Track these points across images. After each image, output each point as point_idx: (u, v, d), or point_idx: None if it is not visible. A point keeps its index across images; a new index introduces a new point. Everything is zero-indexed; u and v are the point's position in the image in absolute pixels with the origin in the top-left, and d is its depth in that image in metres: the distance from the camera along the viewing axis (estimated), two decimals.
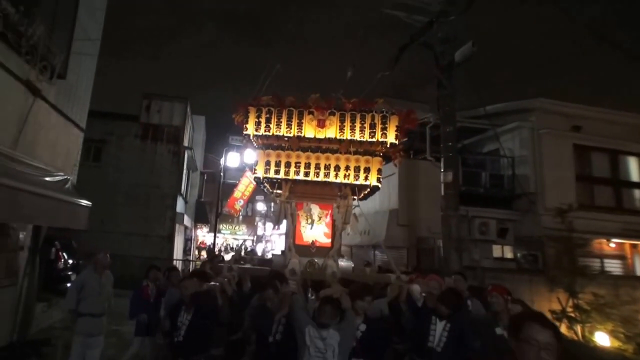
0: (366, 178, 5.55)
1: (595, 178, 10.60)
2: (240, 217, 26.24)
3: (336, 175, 5.50)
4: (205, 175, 21.49)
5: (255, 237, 25.62)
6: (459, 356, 3.30)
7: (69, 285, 8.96)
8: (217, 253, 14.39)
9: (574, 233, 9.61)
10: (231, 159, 16.35)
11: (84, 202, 5.14)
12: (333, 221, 5.83)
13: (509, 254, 10.76)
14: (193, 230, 20.71)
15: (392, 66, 8.82)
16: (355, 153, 5.57)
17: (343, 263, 5.65)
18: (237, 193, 17.95)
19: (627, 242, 10.44)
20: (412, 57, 9.30)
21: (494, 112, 11.10)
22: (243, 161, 16.40)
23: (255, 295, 4.03)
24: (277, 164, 5.47)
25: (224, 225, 25.90)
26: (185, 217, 16.77)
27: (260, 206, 26.85)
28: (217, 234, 17.86)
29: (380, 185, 5.66)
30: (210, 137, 24.40)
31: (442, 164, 8.06)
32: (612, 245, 10.60)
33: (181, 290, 3.34)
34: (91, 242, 10.85)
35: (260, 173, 5.50)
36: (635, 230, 10.05)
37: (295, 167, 5.48)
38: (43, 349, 4.79)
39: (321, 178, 5.48)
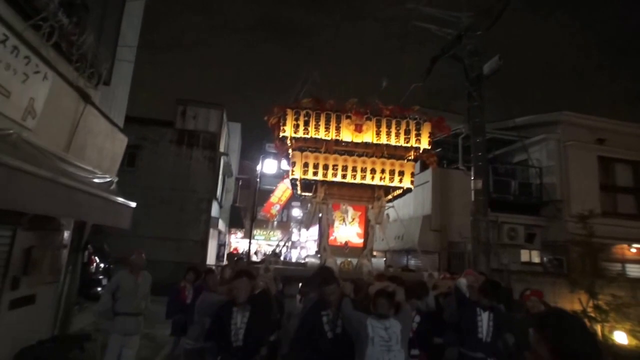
0: (400, 180, 5.77)
1: (619, 187, 10.82)
2: (275, 222, 26.55)
3: (372, 178, 5.68)
4: (241, 181, 21.99)
5: (290, 242, 24.90)
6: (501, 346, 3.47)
7: (99, 289, 8.29)
8: (240, 256, 14.54)
9: (597, 238, 10.12)
10: (268, 166, 17.03)
11: (129, 202, 5.31)
12: (366, 222, 6.00)
13: (536, 259, 11.21)
14: (227, 236, 21.01)
15: (425, 77, 9.19)
16: (390, 157, 5.76)
17: (375, 262, 5.85)
18: (273, 198, 18.45)
19: None
20: (444, 69, 9.86)
21: (522, 124, 11.35)
22: (280, 167, 17.08)
23: (308, 294, 3.95)
24: (315, 166, 5.62)
25: (258, 231, 26.12)
26: (220, 222, 16.90)
27: (296, 212, 26.58)
28: (251, 240, 17.87)
29: (412, 188, 5.85)
30: (246, 144, 24.27)
31: (472, 172, 8.41)
32: (633, 250, 11.16)
33: (233, 291, 3.04)
34: (123, 246, 11.25)
35: (298, 174, 5.62)
36: None
37: (332, 169, 5.66)
38: (85, 343, 4.85)
39: (357, 180, 5.66)
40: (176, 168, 14.11)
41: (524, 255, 10.85)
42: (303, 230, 22.33)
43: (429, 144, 5.62)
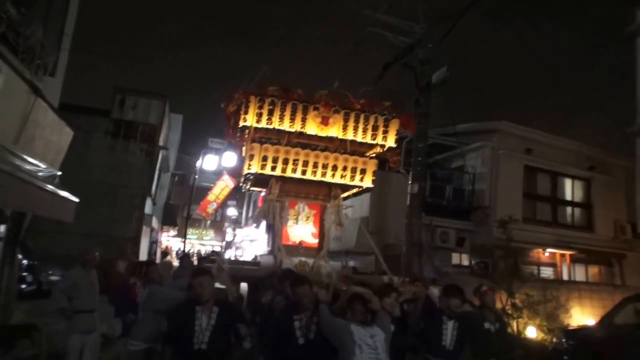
0: (362, 179, 5.46)
1: (539, 196, 11.57)
2: (209, 222, 25.45)
3: (332, 175, 5.33)
4: (177, 176, 20.92)
5: (225, 243, 24.63)
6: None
7: (23, 286, 8.29)
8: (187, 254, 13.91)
9: (517, 243, 10.88)
10: (208, 162, 15.97)
11: (72, 197, 5.26)
12: (320, 221, 5.67)
13: (465, 261, 11.79)
14: (159, 233, 19.80)
15: (376, 82, 9.07)
16: (353, 154, 5.44)
17: (331, 263, 5.53)
18: (211, 196, 17.59)
19: (558, 252, 11.44)
20: (394, 75, 10.00)
21: (464, 131, 11.50)
22: (221, 164, 16.18)
23: (274, 296, 3.57)
24: (274, 160, 5.16)
25: (191, 230, 24.39)
26: (153, 219, 15.95)
27: (231, 211, 25.15)
28: (184, 238, 16.81)
29: (372, 186, 5.61)
30: (186, 137, 23.46)
31: (410, 177, 8.52)
32: (547, 254, 12.14)
33: (196, 289, 2.77)
34: (47, 244, 10.12)
35: (255, 168, 5.12)
36: (565, 242, 11.02)
37: (292, 164, 5.21)
38: (32, 333, 4.76)
39: (317, 177, 5.29)
40: (110, 161, 12.96)
41: (455, 258, 11.35)
42: (238, 230, 21.76)
43: (395, 142, 5.38)
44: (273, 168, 5.17)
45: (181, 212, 18.32)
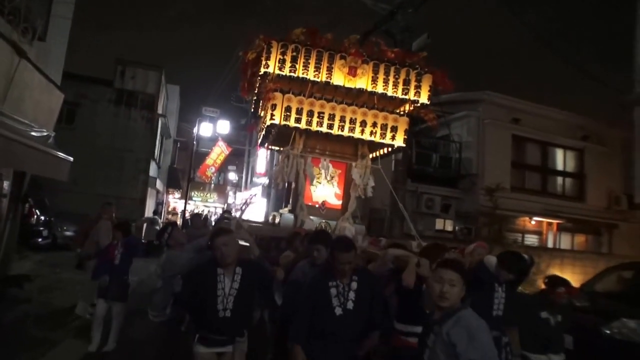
0: (393, 137, 4.95)
1: (528, 165, 11.54)
2: (212, 185, 26.67)
3: (362, 131, 4.83)
4: (179, 143, 21.80)
5: (226, 205, 24.60)
6: None
7: (39, 240, 8.95)
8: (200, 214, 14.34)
9: (504, 211, 11.05)
10: (204, 129, 16.71)
11: (66, 156, 5.29)
12: (345, 182, 5.25)
13: (449, 227, 12.14)
14: (165, 195, 21.08)
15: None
16: (382, 110, 4.94)
17: (357, 226, 5.10)
18: (209, 160, 18.49)
19: (544, 220, 11.58)
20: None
21: (448, 100, 11.70)
22: (215, 131, 17.21)
23: (295, 259, 3.20)
24: (298, 112, 4.65)
25: (196, 192, 25.67)
26: (158, 182, 16.77)
27: (232, 176, 25.95)
28: (189, 201, 18.38)
29: (404, 146, 5.14)
30: (185, 107, 24.02)
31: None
32: (533, 222, 12.19)
33: (220, 249, 2.42)
34: (64, 201, 10.95)
35: (277, 119, 4.60)
36: (552, 211, 11.06)
37: (318, 117, 4.70)
38: (25, 283, 4.81)
39: (345, 132, 4.78)
40: (115, 128, 14.07)
41: (439, 224, 11.66)
42: (238, 194, 22.67)
43: (428, 99, 4.89)
44: (297, 120, 4.65)
45: (186, 175, 19.40)
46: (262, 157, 16.82)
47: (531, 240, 11.54)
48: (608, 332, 4.03)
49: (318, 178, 5.14)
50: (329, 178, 5.21)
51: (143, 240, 10.68)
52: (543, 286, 3.38)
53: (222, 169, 22.19)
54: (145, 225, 11.14)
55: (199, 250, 2.97)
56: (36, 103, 5.60)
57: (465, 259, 2.84)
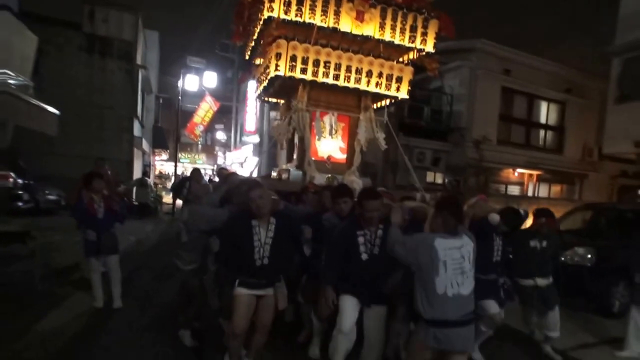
0: (398, 89, 4.85)
1: (514, 118, 11.71)
2: (200, 145, 25.48)
3: (368, 82, 4.67)
4: (161, 99, 19.96)
5: (215, 166, 23.85)
6: None
7: (20, 204, 8.49)
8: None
9: (491, 163, 11.60)
10: (189, 82, 15.26)
11: (52, 109, 4.84)
12: (349, 135, 5.14)
13: (439, 180, 12.67)
14: (151, 157, 19.45)
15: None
16: (388, 59, 4.78)
17: (364, 180, 5.05)
18: (196, 118, 17.02)
19: (526, 172, 11.99)
20: None
21: (442, 49, 11.80)
22: (202, 85, 15.76)
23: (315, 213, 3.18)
24: (304, 61, 4.38)
25: (183, 154, 24.27)
26: (144, 142, 15.59)
27: (220, 135, 24.87)
28: (177, 162, 17.04)
29: (408, 97, 5.04)
30: (164, 58, 21.28)
31: None
32: (516, 174, 12.62)
33: (256, 201, 2.49)
34: (42, 165, 10.04)
35: (282, 70, 4.34)
36: (534, 163, 11.47)
37: (324, 67, 4.46)
38: (26, 239, 4.66)
39: (352, 84, 4.60)
40: (90, 81, 12.52)
41: (430, 177, 12.10)
42: (227, 154, 22.08)
43: (434, 47, 4.74)
44: (303, 70, 4.40)
45: (172, 135, 18.34)
46: (251, 114, 15.64)
47: (514, 190, 12.22)
48: (563, 259, 4.55)
49: (323, 132, 5.05)
50: (333, 132, 5.10)
51: (135, 203, 10.45)
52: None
53: (209, 128, 21.16)
54: (135, 188, 10.85)
55: (213, 204, 3.01)
56: (8, 46, 5.11)
57: (468, 211, 3.00)
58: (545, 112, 12.38)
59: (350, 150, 5.15)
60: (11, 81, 4.50)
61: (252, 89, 16.38)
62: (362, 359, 2.66)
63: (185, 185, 3.28)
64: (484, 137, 10.35)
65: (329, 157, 5.09)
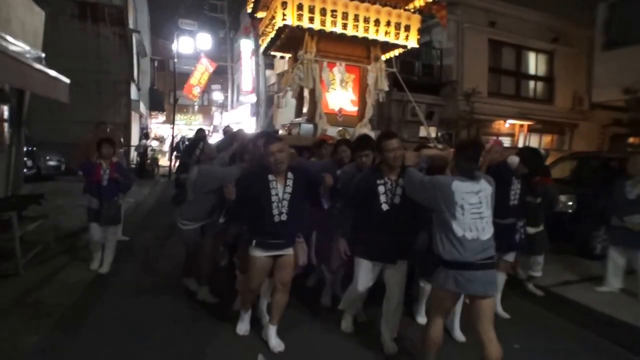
0: (407, 37, 4.83)
1: (503, 70, 11.80)
2: (196, 106, 25.00)
3: (377, 31, 4.63)
4: (156, 62, 19.90)
5: (212, 127, 23.35)
6: None
7: (24, 170, 8.39)
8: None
9: (481, 115, 11.89)
10: (183, 44, 15.17)
11: (63, 77, 5.00)
12: (360, 87, 5.08)
13: (433, 134, 13.13)
14: (148, 119, 19.61)
15: None
16: (395, 7, 4.73)
17: (376, 132, 4.85)
18: (192, 80, 16.94)
19: (517, 123, 12.15)
20: None
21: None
22: (196, 47, 15.68)
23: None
24: (311, 10, 4.36)
25: (179, 116, 22.87)
26: (141, 105, 15.57)
27: (217, 95, 24.40)
28: (171, 125, 17.47)
29: (417, 46, 5.00)
30: (156, 21, 20.85)
31: None
32: (507, 125, 13.14)
33: (275, 156, 2.44)
34: (43, 131, 10.70)
35: (290, 20, 4.29)
36: (525, 114, 11.66)
37: (331, 16, 4.45)
38: (41, 201, 4.78)
39: (360, 33, 4.58)
40: (84, 47, 12.56)
41: (423, 131, 12.53)
42: (224, 114, 22.17)
43: None
44: (311, 19, 4.36)
45: (167, 97, 18.32)
46: (247, 73, 15.41)
47: (505, 142, 12.69)
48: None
49: (332, 84, 4.93)
50: (343, 84, 4.99)
51: (133, 165, 10.90)
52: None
53: (206, 89, 21.19)
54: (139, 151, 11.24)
55: (224, 163, 2.99)
56: (22, 22, 5.29)
57: (484, 156, 2.93)
58: (534, 63, 12.52)
59: (362, 103, 5.09)
60: (27, 55, 4.74)
61: (247, 48, 16.25)
62: (385, 304, 2.62)
63: (199, 146, 3.51)
64: (474, 90, 10.62)
65: (340, 110, 5.03)
